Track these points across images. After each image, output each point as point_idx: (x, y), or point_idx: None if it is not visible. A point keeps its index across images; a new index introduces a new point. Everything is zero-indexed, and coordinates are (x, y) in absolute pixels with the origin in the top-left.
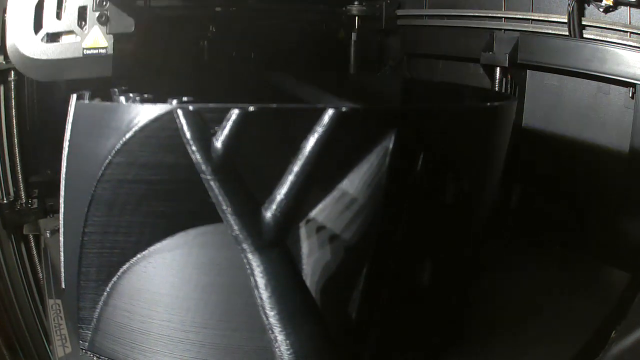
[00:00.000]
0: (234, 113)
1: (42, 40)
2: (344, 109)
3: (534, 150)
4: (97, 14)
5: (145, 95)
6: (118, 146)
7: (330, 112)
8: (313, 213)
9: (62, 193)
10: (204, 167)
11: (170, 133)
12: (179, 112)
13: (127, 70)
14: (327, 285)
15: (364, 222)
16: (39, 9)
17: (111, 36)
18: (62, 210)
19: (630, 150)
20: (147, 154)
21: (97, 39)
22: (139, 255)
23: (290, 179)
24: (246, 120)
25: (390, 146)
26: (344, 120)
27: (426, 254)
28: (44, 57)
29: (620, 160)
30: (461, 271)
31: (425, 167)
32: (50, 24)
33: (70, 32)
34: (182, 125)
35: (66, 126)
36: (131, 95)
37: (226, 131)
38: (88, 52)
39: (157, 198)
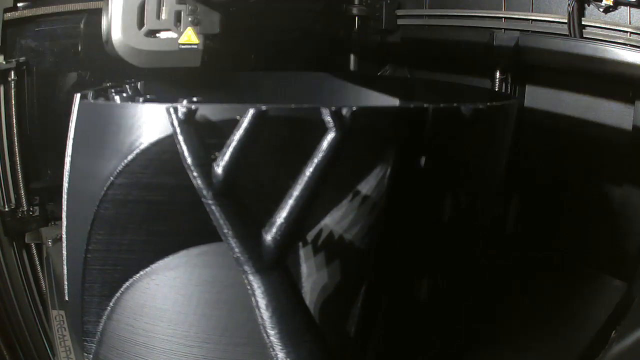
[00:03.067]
0: (244, 115)
1: (144, 34)
2: (354, 109)
3: (534, 151)
4: (190, 17)
5: (148, 96)
6: (120, 167)
7: (337, 113)
8: (313, 234)
9: (64, 209)
10: (204, 192)
11: (172, 155)
12: (171, 111)
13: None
14: (327, 305)
15: (364, 239)
16: (141, 10)
17: (202, 35)
18: (64, 227)
19: (630, 150)
20: (148, 176)
21: (190, 37)
22: (141, 272)
23: (290, 203)
24: (253, 122)
25: (394, 146)
26: (353, 121)
27: (426, 269)
28: (146, 48)
29: (620, 161)
30: (461, 280)
31: (427, 171)
32: (151, 22)
33: (168, 29)
34: (182, 151)
35: (69, 126)
36: (124, 95)
37: (226, 156)
38: (183, 46)
39: (159, 218)
